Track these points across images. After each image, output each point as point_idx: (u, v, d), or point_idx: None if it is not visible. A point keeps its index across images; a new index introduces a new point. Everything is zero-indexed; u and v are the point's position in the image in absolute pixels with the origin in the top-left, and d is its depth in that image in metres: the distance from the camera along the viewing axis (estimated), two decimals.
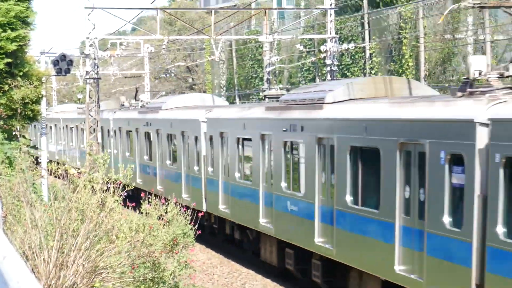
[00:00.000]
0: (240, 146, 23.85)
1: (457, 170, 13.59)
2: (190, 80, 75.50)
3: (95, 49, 34.40)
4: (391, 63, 46.74)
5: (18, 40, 20.96)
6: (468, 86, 14.50)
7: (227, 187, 24.60)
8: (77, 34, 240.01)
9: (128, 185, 12.13)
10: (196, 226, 13.19)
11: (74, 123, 48.94)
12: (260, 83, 59.47)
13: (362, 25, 48.70)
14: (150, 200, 12.89)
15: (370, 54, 48.61)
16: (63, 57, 29.72)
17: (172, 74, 70.64)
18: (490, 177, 12.68)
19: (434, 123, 14.23)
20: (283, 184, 20.57)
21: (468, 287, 13.16)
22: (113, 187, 11.99)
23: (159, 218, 12.73)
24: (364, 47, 47.94)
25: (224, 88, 67.60)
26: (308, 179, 19.16)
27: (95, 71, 34.74)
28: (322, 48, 36.83)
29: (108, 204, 11.80)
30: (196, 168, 27.56)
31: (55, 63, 29.98)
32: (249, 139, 22.95)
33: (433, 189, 14.07)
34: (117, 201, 11.96)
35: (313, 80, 53.49)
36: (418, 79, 44.84)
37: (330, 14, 36.72)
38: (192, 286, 13.99)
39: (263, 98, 26.75)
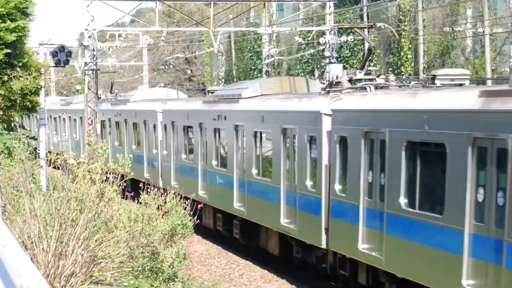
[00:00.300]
0: (185, 133, 28.40)
1: (314, 147, 18.52)
2: (189, 71, 75.50)
3: (93, 40, 34.39)
4: (390, 56, 46.75)
5: (17, 31, 20.94)
6: (328, 86, 19.37)
7: (177, 166, 29.34)
8: (76, 26, 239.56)
9: (126, 175, 12.17)
10: (195, 217, 13.24)
11: (57, 114, 52.71)
12: (259, 75, 59.46)
13: (361, 17, 48.68)
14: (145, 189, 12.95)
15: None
16: (62, 48, 29.64)
17: (171, 66, 70.60)
18: (331, 151, 17.67)
19: (300, 113, 19.27)
20: (214, 162, 25.38)
21: (320, 230, 18.15)
22: (112, 177, 12.02)
23: (158, 208, 12.77)
24: (363, 39, 47.92)
25: (223, 80, 67.57)
26: (229, 157, 23.93)
27: (94, 63, 34.75)
28: (321, 40, 36.83)
29: (107, 194, 11.83)
30: (154, 151, 32.24)
31: (54, 54, 29.91)
32: (191, 127, 27.61)
33: (301, 162, 19.16)
34: (116, 191, 11.99)
35: (311, 72, 53.48)
36: (417, 71, 44.86)
37: (330, 6, 36.71)
38: (190, 276, 14.03)
39: (207, 92, 30.91)
